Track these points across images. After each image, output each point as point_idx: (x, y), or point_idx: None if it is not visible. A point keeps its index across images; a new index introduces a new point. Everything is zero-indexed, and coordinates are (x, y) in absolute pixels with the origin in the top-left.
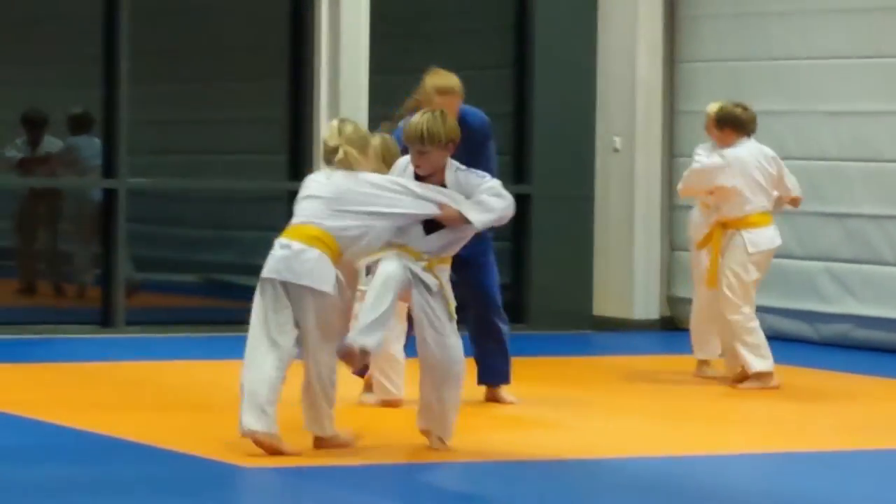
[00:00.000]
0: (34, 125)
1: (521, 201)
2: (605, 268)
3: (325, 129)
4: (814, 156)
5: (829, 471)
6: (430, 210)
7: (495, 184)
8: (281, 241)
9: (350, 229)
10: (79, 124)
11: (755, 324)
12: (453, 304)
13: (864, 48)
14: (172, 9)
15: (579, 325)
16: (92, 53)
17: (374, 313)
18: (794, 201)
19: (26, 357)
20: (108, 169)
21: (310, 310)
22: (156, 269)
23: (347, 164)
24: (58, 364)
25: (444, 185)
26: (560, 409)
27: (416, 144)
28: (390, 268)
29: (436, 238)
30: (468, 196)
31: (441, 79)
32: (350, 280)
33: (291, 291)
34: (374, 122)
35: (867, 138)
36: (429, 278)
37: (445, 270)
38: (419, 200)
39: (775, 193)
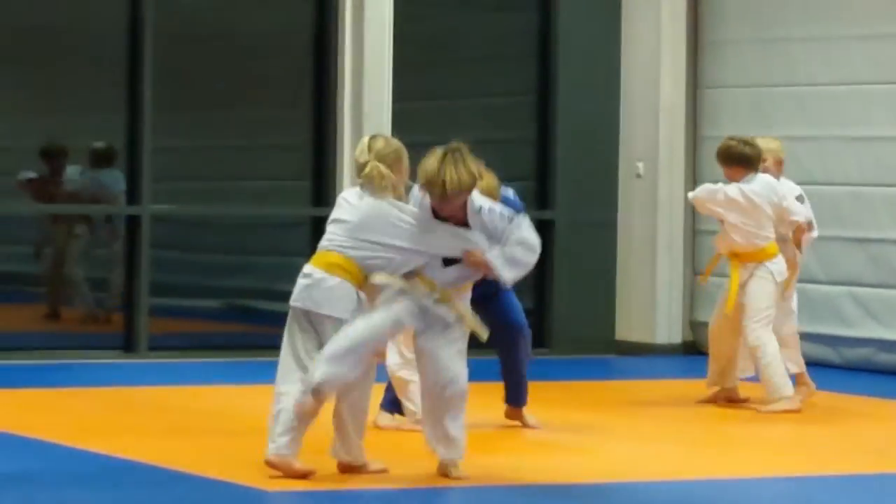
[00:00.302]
0: (52, 157)
1: (544, 227)
2: (627, 292)
3: (357, 146)
4: (837, 181)
5: (852, 494)
6: (454, 254)
7: (524, 231)
8: (305, 268)
9: (371, 259)
10: (101, 158)
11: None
12: (479, 325)
13: (886, 74)
14: (196, 36)
15: (602, 350)
16: (116, 80)
17: (333, 347)
18: (798, 230)
19: (49, 382)
20: (132, 195)
21: (329, 336)
22: (178, 295)
23: (374, 180)
24: (81, 389)
25: (465, 224)
26: (582, 434)
27: (438, 192)
28: (377, 318)
29: (452, 271)
30: (492, 237)
31: (485, 182)
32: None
33: (314, 319)
34: None
35: (890, 163)
36: (443, 311)
37: (465, 297)
38: (443, 241)
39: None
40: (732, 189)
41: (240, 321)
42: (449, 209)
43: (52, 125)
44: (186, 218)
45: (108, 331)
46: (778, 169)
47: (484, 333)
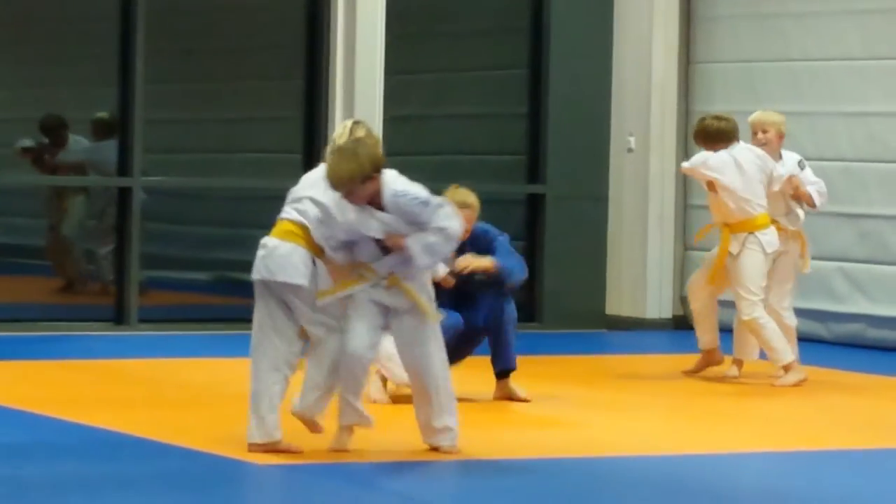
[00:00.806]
0: (51, 129)
1: (535, 201)
2: (618, 267)
3: (338, 128)
4: (828, 156)
5: (840, 469)
6: (377, 235)
7: (442, 220)
8: (262, 240)
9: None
10: (102, 129)
11: (769, 319)
12: (434, 311)
13: (879, 49)
14: (188, 9)
15: (592, 325)
16: (107, 52)
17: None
18: (788, 182)
19: (40, 354)
20: (123, 167)
21: (295, 305)
22: (169, 267)
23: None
24: (71, 361)
25: (382, 209)
26: (572, 408)
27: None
28: (352, 345)
29: (389, 259)
30: (413, 222)
31: (458, 195)
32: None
33: (274, 289)
34: (389, 122)
35: (882, 139)
36: (392, 300)
37: (422, 282)
38: (360, 221)
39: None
40: (722, 153)
41: (230, 294)
42: (358, 199)
43: (44, 97)
44: (177, 190)
45: (99, 303)
46: (779, 142)
47: (437, 318)
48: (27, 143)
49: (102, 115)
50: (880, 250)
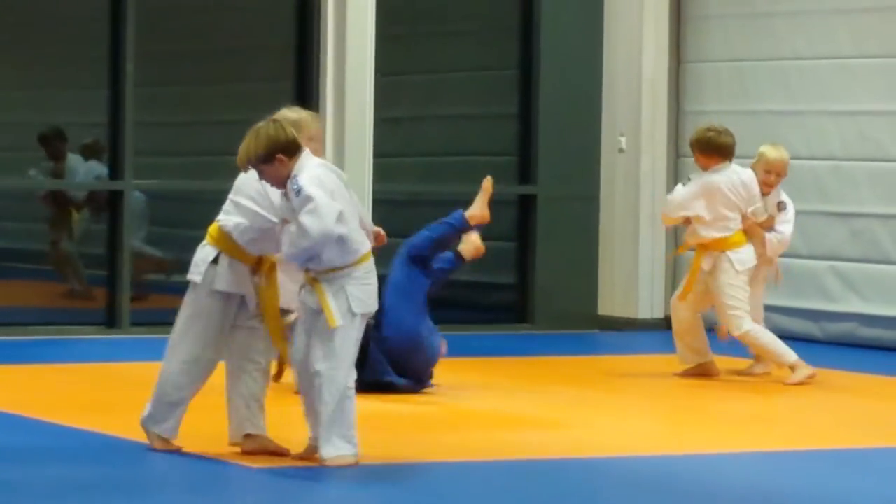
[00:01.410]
0: (50, 141)
1: (527, 202)
2: (610, 268)
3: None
4: (819, 155)
5: (833, 468)
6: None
7: (304, 216)
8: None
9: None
10: (89, 152)
11: (760, 327)
12: (333, 315)
13: (869, 48)
14: (177, 11)
15: (584, 325)
16: (97, 55)
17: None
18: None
19: (31, 358)
20: (114, 171)
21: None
22: (162, 270)
23: None
24: (63, 365)
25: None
26: (564, 409)
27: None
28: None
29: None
30: (293, 209)
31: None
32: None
33: None
34: (380, 124)
35: (872, 138)
36: (311, 299)
37: (340, 278)
38: (269, 204)
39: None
40: (691, 185)
41: None
42: (268, 180)
43: (34, 100)
44: (169, 193)
45: (90, 307)
46: (777, 182)
47: (334, 322)
48: (38, 175)
49: (88, 140)
50: (872, 249)
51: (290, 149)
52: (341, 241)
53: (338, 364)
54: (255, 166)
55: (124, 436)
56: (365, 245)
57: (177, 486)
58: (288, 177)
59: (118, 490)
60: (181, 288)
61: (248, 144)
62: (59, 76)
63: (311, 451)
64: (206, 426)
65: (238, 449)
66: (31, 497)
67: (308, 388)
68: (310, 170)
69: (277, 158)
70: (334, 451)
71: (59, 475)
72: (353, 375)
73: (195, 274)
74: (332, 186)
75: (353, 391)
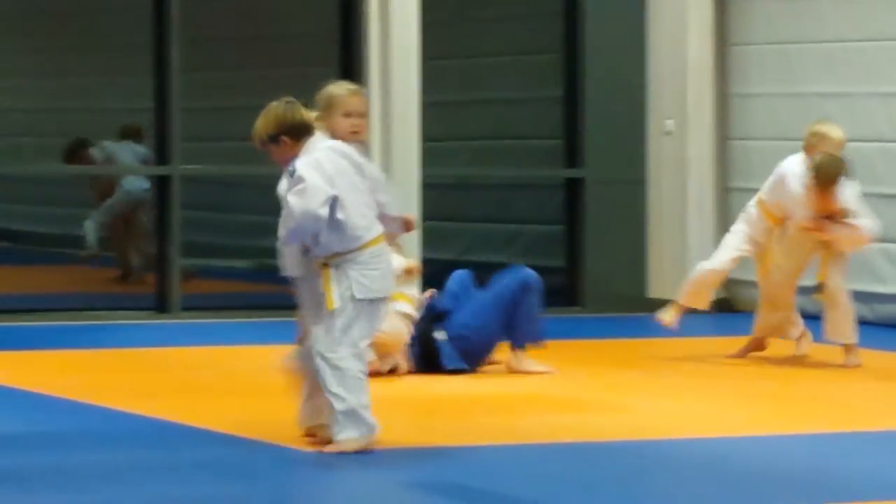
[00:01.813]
0: (73, 152)
1: (574, 185)
2: (658, 250)
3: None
4: (867, 137)
5: (884, 450)
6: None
7: (290, 197)
8: None
9: None
10: (125, 133)
11: None
12: (332, 298)
13: None
14: None
15: (634, 308)
16: (142, 42)
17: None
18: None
19: (83, 343)
20: (161, 156)
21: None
22: (210, 256)
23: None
24: (114, 350)
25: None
26: (615, 391)
27: None
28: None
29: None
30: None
31: None
32: None
33: None
34: (426, 108)
35: None
36: (317, 283)
37: (344, 263)
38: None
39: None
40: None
41: (272, 281)
42: (276, 159)
43: (82, 87)
44: (217, 178)
45: (141, 291)
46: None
47: (332, 305)
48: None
49: (127, 123)
50: None
51: (297, 131)
52: (338, 225)
53: (337, 347)
54: (263, 146)
55: (176, 420)
56: (371, 231)
57: (231, 469)
58: (293, 159)
59: (172, 474)
60: (229, 273)
61: (259, 123)
62: (104, 64)
63: (316, 435)
64: (262, 412)
65: (297, 432)
66: (87, 481)
67: (313, 373)
68: (313, 153)
69: (282, 140)
70: (343, 434)
71: (112, 459)
72: (362, 359)
73: (287, 269)
74: (333, 171)
75: (365, 374)
